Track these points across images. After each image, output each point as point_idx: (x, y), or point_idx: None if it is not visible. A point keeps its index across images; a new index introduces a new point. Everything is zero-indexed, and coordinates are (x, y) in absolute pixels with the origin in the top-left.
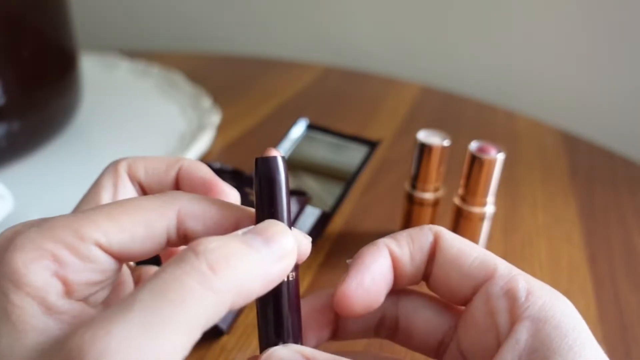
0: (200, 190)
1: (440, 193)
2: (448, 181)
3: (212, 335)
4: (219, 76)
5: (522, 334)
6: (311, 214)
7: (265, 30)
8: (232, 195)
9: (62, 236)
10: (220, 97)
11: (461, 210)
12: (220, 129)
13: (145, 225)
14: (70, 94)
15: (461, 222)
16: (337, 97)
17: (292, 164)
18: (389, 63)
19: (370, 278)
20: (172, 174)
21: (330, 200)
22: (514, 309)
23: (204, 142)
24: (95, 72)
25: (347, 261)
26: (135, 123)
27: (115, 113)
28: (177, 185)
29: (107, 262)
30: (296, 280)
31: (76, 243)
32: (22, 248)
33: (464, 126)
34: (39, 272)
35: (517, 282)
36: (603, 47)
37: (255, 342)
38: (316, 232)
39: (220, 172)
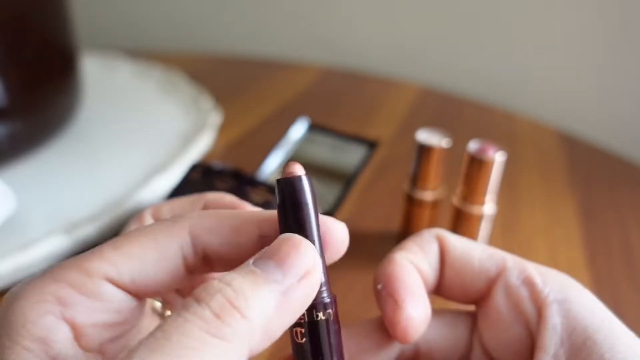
0: None
1: (439, 193)
2: (447, 181)
3: None
4: (220, 77)
5: (555, 318)
6: None
7: (266, 31)
8: (342, 226)
9: (66, 275)
10: (221, 98)
11: (460, 211)
12: (221, 129)
13: (155, 248)
14: (72, 94)
15: (460, 222)
16: (337, 98)
17: None
18: (388, 64)
19: (421, 296)
20: (197, 209)
21: (330, 200)
22: (536, 295)
23: (205, 143)
24: (97, 72)
25: (378, 286)
26: (136, 123)
27: (117, 113)
28: None
29: (121, 299)
30: (335, 315)
31: (82, 280)
32: (24, 297)
33: (463, 126)
34: (40, 318)
35: (530, 270)
36: (603, 48)
37: None
38: None
39: (221, 173)
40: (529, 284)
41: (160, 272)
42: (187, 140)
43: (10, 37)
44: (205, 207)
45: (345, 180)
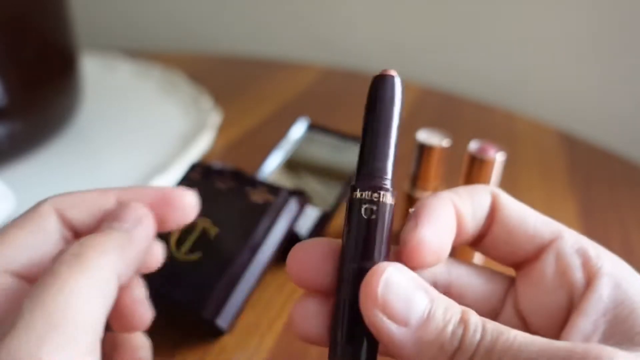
0: (160, 202)
1: None
2: (447, 181)
3: (212, 335)
4: (220, 76)
5: (605, 289)
6: (311, 214)
7: (266, 30)
8: (188, 194)
9: None
10: (221, 98)
11: None
12: (221, 129)
13: (32, 232)
14: (71, 94)
15: None
16: (337, 98)
17: (293, 164)
18: (388, 64)
19: (443, 227)
20: (110, 200)
21: (330, 200)
22: (589, 266)
23: (204, 143)
24: (96, 72)
25: (410, 210)
26: (135, 123)
27: (116, 113)
28: None
29: (18, 287)
30: (391, 212)
31: None
32: None
33: (463, 126)
34: None
35: (585, 242)
36: (603, 48)
37: (254, 342)
38: (316, 232)
39: (221, 173)
40: (583, 254)
41: (45, 252)
42: (187, 140)
43: (10, 37)
44: (118, 199)
45: (346, 180)
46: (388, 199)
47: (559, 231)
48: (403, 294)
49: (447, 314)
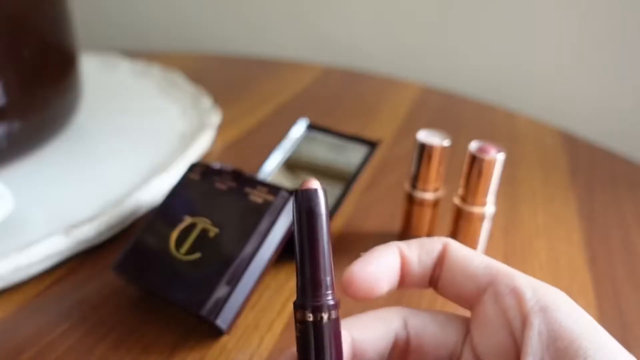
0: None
1: (440, 193)
2: (448, 181)
3: (212, 335)
4: (219, 76)
5: (541, 326)
6: None
7: (266, 30)
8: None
9: None
10: (220, 97)
11: (461, 211)
12: (220, 129)
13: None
14: (70, 94)
15: (461, 222)
16: (337, 98)
17: (292, 164)
18: (388, 63)
19: (376, 266)
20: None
21: (330, 201)
22: (522, 304)
23: (204, 143)
24: (96, 72)
25: (361, 253)
26: (135, 123)
27: (115, 113)
28: None
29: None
30: (337, 317)
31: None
32: None
33: (464, 126)
34: None
35: (519, 281)
36: (603, 47)
37: (254, 342)
38: None
39: (220, 173)
40: (516, 294)
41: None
42: (186, 140)
43: (9, 36)
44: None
45: (346, 180)
46: (324, 315)
47: (496, 272)
48: None
49: None
